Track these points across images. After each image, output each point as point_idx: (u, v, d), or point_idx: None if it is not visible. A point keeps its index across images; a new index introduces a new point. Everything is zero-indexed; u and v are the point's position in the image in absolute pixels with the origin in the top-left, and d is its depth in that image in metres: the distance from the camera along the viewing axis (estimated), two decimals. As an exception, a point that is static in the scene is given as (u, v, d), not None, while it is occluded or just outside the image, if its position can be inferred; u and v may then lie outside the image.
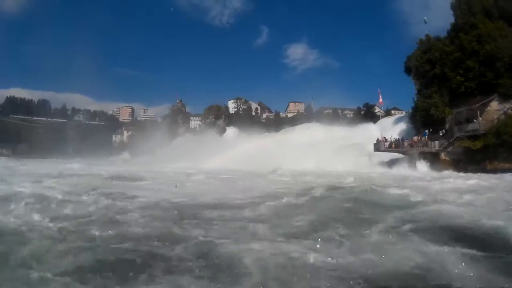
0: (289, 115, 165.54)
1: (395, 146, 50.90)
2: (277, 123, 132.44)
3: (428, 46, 54.94)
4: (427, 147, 47.30)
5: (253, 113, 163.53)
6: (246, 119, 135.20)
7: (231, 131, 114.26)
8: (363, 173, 37.19)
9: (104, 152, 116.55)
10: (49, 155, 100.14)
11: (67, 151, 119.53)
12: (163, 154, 79.72)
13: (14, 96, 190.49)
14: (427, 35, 57.13)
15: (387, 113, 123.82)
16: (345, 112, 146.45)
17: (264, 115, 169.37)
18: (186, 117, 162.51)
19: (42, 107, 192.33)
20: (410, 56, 59.61)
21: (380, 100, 57.85)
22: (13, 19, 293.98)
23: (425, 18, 60.01)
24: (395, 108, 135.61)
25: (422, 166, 44.94)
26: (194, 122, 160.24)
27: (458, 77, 47.34)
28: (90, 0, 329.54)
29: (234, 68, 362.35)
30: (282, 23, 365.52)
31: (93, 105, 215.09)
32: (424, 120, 52.43)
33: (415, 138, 50.04)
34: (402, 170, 44.05)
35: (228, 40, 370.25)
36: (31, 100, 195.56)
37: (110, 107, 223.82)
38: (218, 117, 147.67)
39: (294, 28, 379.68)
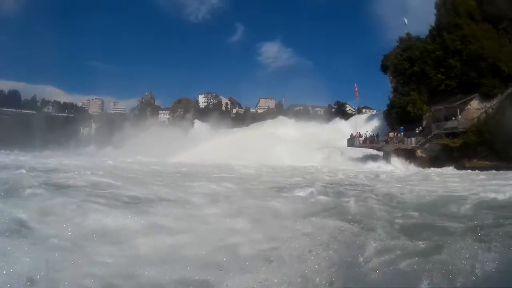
0: (260, 111, 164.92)
1: (370, 142, 50.09)
2: (247, 118, 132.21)
3: (408, 44, 54.28)
4: (403, 143, 46.89)
5: (223, 108, 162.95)
6: (216, 114, 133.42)
7: (199, 125, 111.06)
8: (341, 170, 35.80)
9: (72, 144, 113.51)
10: (16, 147, 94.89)
11: (35, 143, 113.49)
12: (130, 147, 77.04)
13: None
14: (408, 34, 56.42)
15: (358, 111, 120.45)
16: (316, 109, 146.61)
17: (234, 110, 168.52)
18: (155, 110, 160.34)
19: (12, 97, 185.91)
20: (388, 54, 59.40)
21: (357, 96, 56.29)
22: None
23: (405, 18, 58.65)
24: (366, 107, 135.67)
25: (397, 163, 44.58)
26: (163, 116, 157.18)
27: (439, 75, 46.68)
28: None
29: (207, 65, 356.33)
30: (257, 22, 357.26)
31: (64, 97, 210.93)
32: (399, 117, 51.77)
33: (391, 134, 49.32)
34: (376, 166, 44.03)
35: (202, 36, 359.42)
36: (1, 90, 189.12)
37: (80, 99, 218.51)
38: (187, 110, 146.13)
39: (269, 27, 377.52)
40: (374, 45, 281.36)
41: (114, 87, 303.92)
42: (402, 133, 48.03)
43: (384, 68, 59.74)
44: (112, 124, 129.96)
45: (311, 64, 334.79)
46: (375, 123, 63.39)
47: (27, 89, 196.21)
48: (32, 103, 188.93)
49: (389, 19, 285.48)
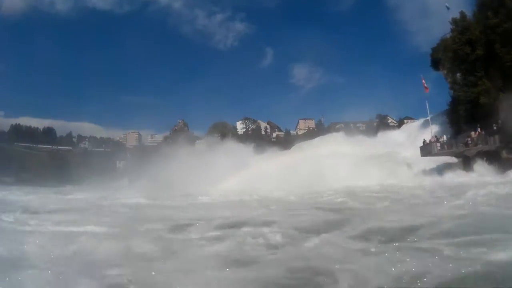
0: (300, 132, 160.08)
1: (448, 147, 41.62)
2: (288, 141, 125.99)
3: (465, 25, 46.33)
4: (486, 144, 38.32)
5: (263, 133, 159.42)
6: (256, 139, 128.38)
7: (240, 150, 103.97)
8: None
9: (108, 178, 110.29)
10: (52, 183, 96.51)
11: (71, 178, 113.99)
12: (164, 178, 71.79)
13: (19, 124, 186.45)
14: (462, 12, 48.07)
15: (400, 123, 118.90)
16: (358, 125, 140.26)
17: (274, 134, 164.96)
18: (190, 138, 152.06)
19: (47, 135, 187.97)
20: (437, 46, 53.24)
21: (426, 87, 47.60)
22: (27, 51, 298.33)
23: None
24: (407, 117, 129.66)
25: (481, 168, 36.32)
26: (200, 147, 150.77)
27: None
28: (95, 30, 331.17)
29: (240, 91, 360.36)
30: (285, 44, 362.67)
31: (102, 133, 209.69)
32: (469, 114, 43.70)
33: (472, 133, 40.26)
34: (455, 176, 36.17)
35: (233, 64, 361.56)
36: (37, 128, 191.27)
37: (118, 134, 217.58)
38: (225, 134, 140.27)
39: (296, 48, 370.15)
40: (403, 54, 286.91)
41: (151, 120, 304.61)
42: (483, 132, 39.24)
43: (435, 63, 53.13)
44: (146, 156, 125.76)
45: (344, 81, 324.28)
46: (434, 128, 55.42)
47: (65, 127, 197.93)
48: (67, 140, 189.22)
49: (413, 24, 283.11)
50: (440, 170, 41.21)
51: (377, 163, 48.28)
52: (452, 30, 48.96)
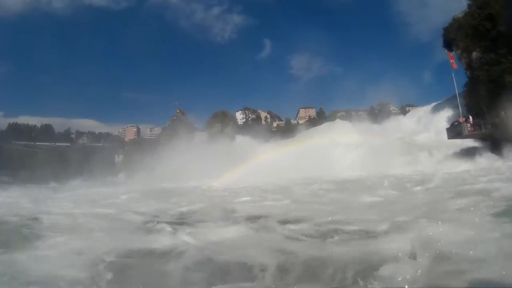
0: (301, 122, 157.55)
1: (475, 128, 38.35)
2: (289, 130, 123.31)
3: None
4: None
5: (263, 122, 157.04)
6: (256, 129, 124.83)
7: (242, 139, 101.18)
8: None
9: (106, 172, 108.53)
10: (50, 180, 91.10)
11: (68, 174, 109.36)
12: (162, 171, 69.08)
13: (16, 122, 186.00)
14: None
15: (402, 110, 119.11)
16: (359, 113, 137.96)
17: (275, 124, 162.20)
18: (189, 128, 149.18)
19: (45, 132, 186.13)
20: (450, 26, 50.30)
21: (453, 63, 44.27)
22: (25, 50, 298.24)
23: None
24: (409, 105, 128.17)
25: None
26: (199, 136, 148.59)
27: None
28: (92, 27, 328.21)
29: (241, 83, 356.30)
30: (282, 35, 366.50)
31: (100, 128, 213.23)
32: (491, 95, 39.88)
33: (503, 113, 36.54)
34: (488, 161, 33.11)
35: (232, 56, 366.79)
36: (35, 125, 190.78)
37: (117, 129, 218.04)
38: (226, 124, 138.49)
39: (295, 39, 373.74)
40: (402, 43, 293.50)
41: (149, 114, 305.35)
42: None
43: (448, 44, 50.00)
44: (143, 149, 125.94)
45: (343, 70, 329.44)
46: (447, 113, 52.78)
47: (63, 124, 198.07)
48: (66, 136, 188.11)
49: (410, 13, 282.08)
50: (467, 154, 37.76)
51: (394, 150, 45.44)
52: (469, 6, 46.22)
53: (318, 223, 10.78)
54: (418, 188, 19.99)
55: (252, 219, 12.77)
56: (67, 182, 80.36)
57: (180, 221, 13.77)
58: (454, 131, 40.48)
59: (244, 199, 21.33)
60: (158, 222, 13.32)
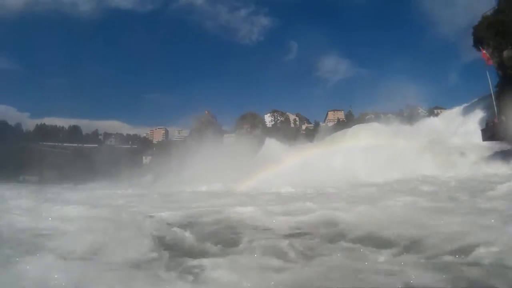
0: (329, 124, 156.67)
1: None
2: (319, 132, 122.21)
3: None
4: None
5: (292, 125, 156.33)
6: (285, 131, 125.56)
7: (271, 142, 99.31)
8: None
9: (133, 174, 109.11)
10: (77, 181, 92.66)
11: (96, 175, 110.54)
12: (190, 173, 67.83)
13: (44, 124, 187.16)
14: None
15: (430, 113, 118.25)
16: (388, 115, 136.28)
17: (304, 126, 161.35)
18: (217, 130, 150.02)
19: (72, 133, 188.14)
20: (479, 24, 48.48)
21: (487, 59, 42.33)
22: (52, 54, 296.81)
23: None
24: (437, 107, 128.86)
25: None
26: (228, 139, 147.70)
27: None
28: (118, 30, 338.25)
29: (267, 85, 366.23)
30: (309, 38, 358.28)
31: (128, 130, 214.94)
32: None
33: None
34: None
35: (258, 57, 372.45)
36: (62, 127, 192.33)
37: (145, 131, 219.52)
38: (255, 126, 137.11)
39: (322, 41, 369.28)
40: (428, 44, 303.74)
41: (177, 117, 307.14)
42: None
43: (478, 43, 47.48)
44: (171, 151, 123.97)
45: (370, 72, 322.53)
46: (479, 115, 50.40)
47: (91, 126, 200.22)
48: (93, 137, 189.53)
49: (437, 13, 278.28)
50: (504, 157, 34.54)
51: (425, 152, 43.20)
52: (499, 2, 44.83)
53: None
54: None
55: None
56: (91, 182, 79.82)
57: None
58: (490, 132, 38.30)
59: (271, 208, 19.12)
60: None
